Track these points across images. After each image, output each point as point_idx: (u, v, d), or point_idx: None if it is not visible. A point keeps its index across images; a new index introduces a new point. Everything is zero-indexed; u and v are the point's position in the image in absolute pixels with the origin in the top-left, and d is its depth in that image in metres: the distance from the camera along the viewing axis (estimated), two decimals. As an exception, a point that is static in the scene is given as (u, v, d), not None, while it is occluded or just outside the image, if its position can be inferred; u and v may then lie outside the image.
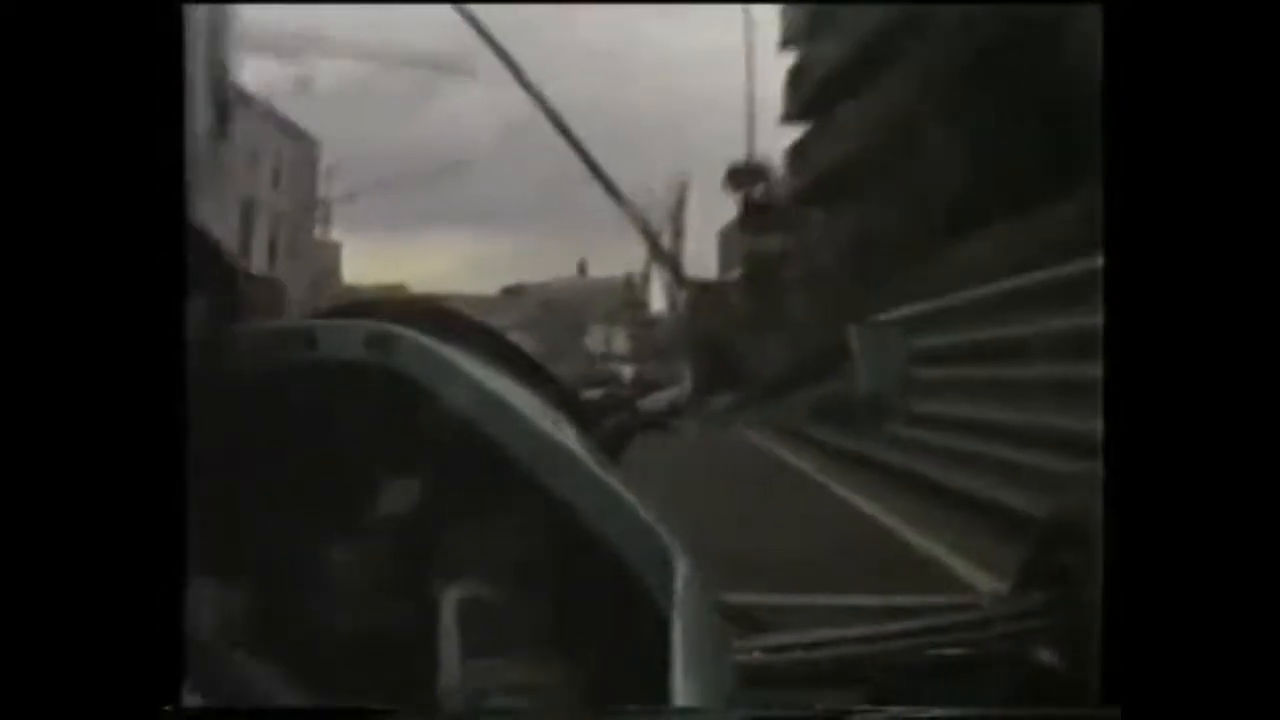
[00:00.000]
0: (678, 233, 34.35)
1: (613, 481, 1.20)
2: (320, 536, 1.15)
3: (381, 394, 1.20)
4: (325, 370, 1.20)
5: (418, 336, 1.25)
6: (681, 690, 0.90)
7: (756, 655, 2.02)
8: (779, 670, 2.03)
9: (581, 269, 49.09)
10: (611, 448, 1.70)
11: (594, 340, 43.47)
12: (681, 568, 1.08)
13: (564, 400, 1.55)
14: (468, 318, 1.51)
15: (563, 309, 45.70)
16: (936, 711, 0.93)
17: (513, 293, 48.84)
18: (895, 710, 0.92)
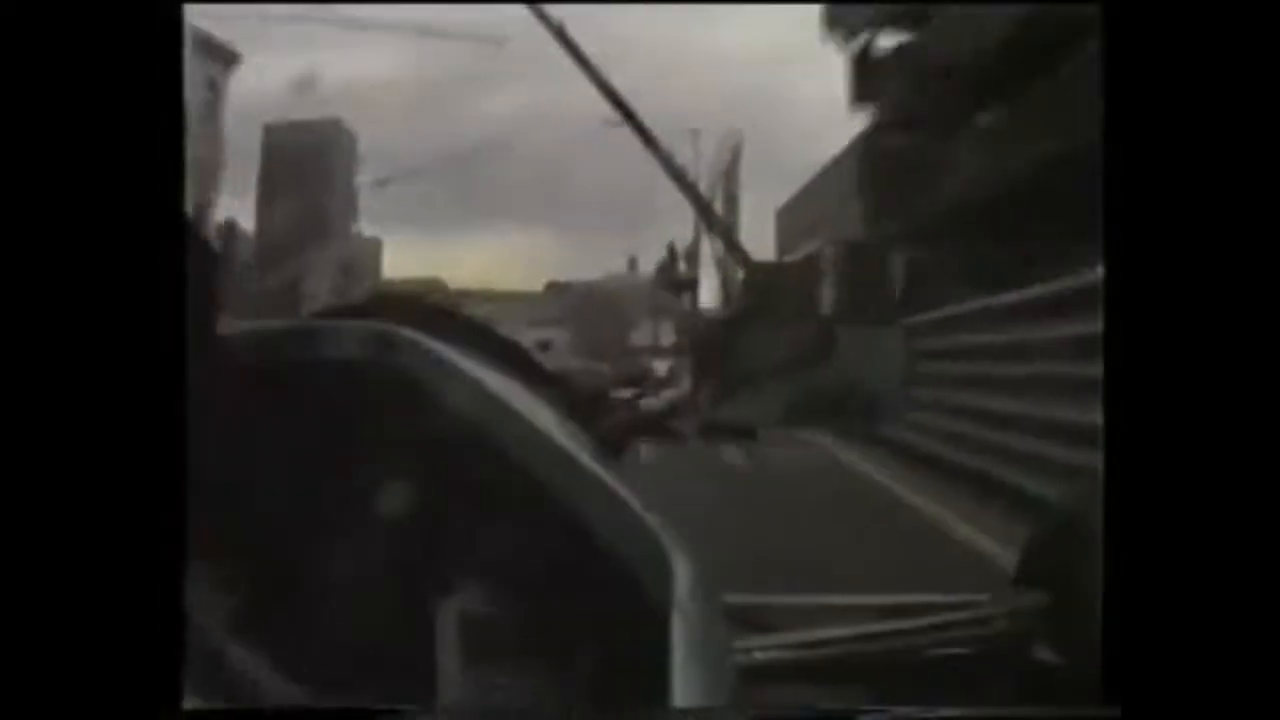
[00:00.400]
0: (730, 199, 29.46)
1: (613, 481, 1.20)
2: (320, 535, 1.15)
3: (381, 394, 1.20)
4: (325, 370, 1.20)
5: (418, 336, 1.25)
6: (681, 690, 0.90)
7: (757, 655, 2.02)
8: (779, 670, 2.03)
9: (632, 265, 48.40)
10: (611, 447, 1.70)
11: (641, 335, 42.03)
12: (681, 568, 1.08)
13: (563, 400, 1.56)
14: (468, 318, 1.51)
15: (608, 303, 44.80)
16: (940, 711, 0.93)
17: (557, 288, 48.18)
18: (900, 710, 0.92)
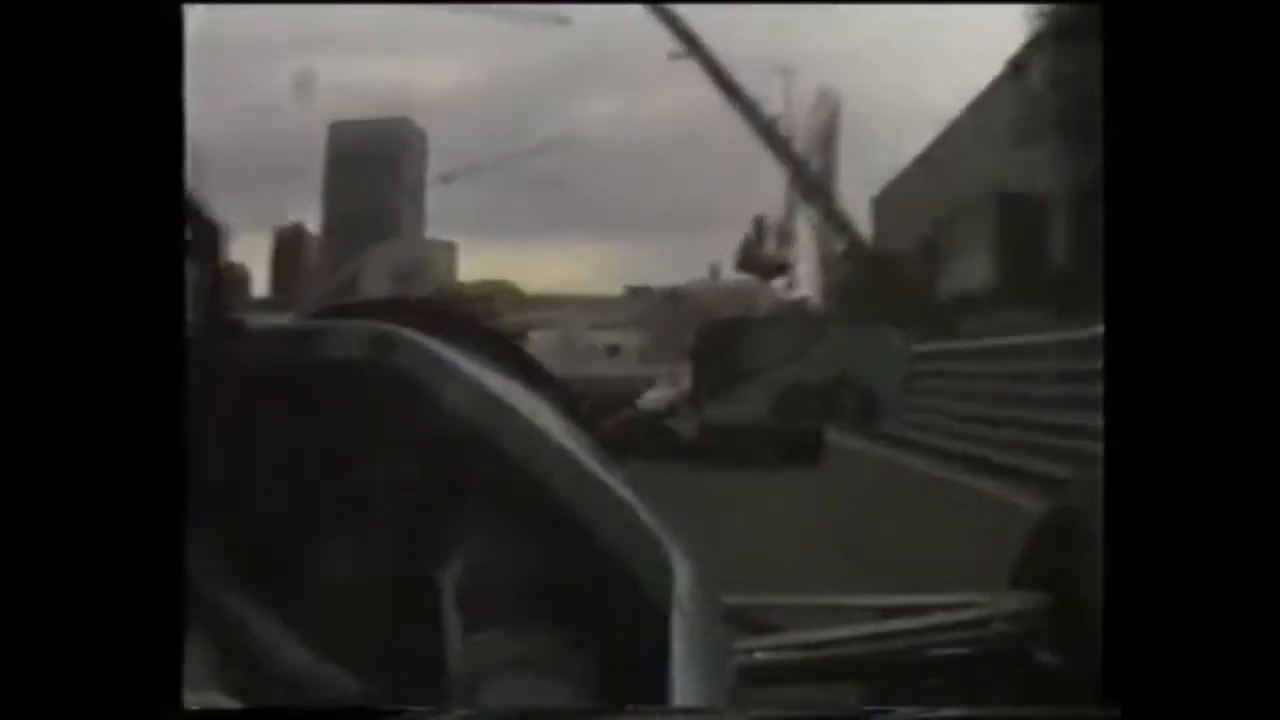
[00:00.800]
0: (827, 168, 25.06)
1: (613, 482, 1.20)
2: (320, 536, 1.15)
3: (381, 394, 1.20)
4: (325, 370, 1.20)
5: (418, 336, 1.25)
6: (681, 690, 0.90)
7: (757, 655, 2.02)
8: (779, 670, 2.03)
9: (714, 272, 47.38)
10: (611, 447, 1.70)
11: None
12: (681, 568, 1.08)
13: (564, 400, 1.56)
14: (468, 318, 1.51)
15: (686, 307, 43.65)
16: (943, 711, 0.93)
17: (635, 292, 47.41)
18: (904, 711, 0.92)
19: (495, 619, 1.09)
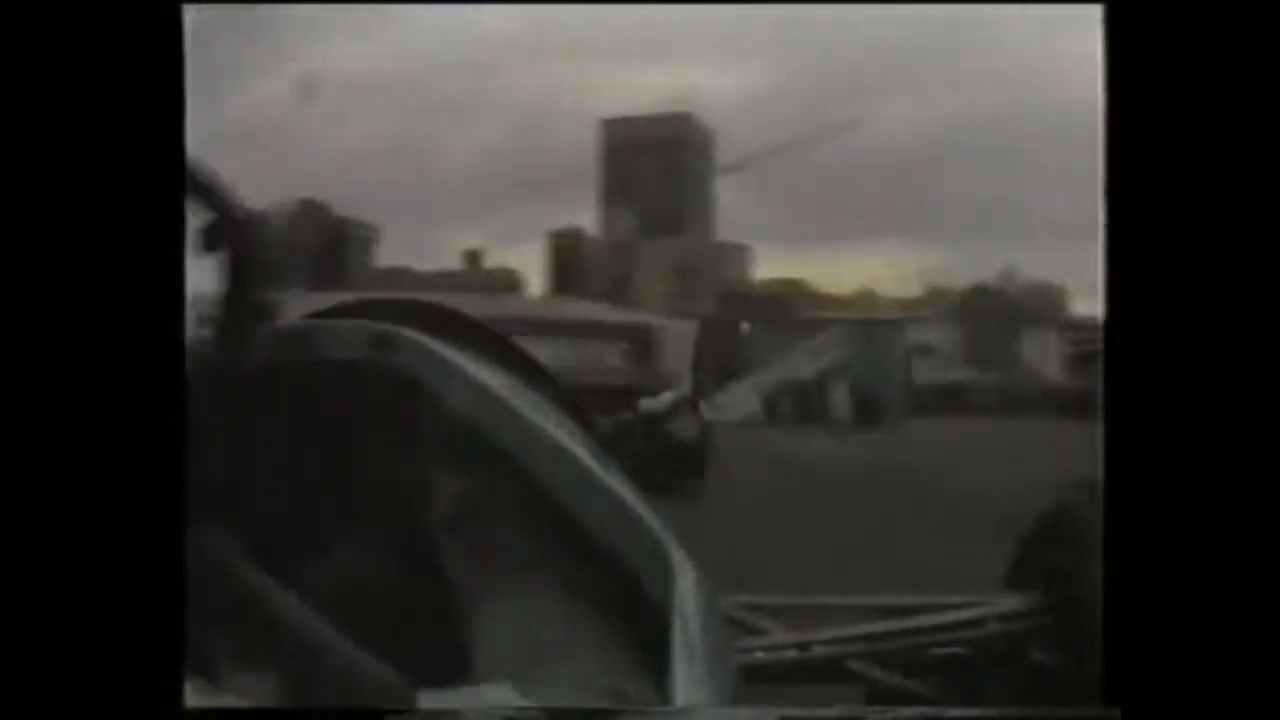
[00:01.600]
0: None
1: (613, 482, 1.20)
2: (321, 535, 1.15)
3: (382, 394, 1.20)
4: (326, 370, 1.21)
5: (418, 336, 1.25)
6: (681, 690, 0.90)
7: (757, 655, 2.02)
8: (779, 670, 2.03)
9: (1008, 275, 46.70)
10: (611, 447, 1.70)
11: (1031, 347, 39.23)
12: (681, 569, 1.08)
13: (564, 400, 1.55)
14: (468, 318, 1.50)
15: (987, 308, 43.59)
16: (943, 711, 0.93)
17: (936, 293, 46.70)
18: (905, 711, 0.92)
19: (495, 618, 1.09)
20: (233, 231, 1.07)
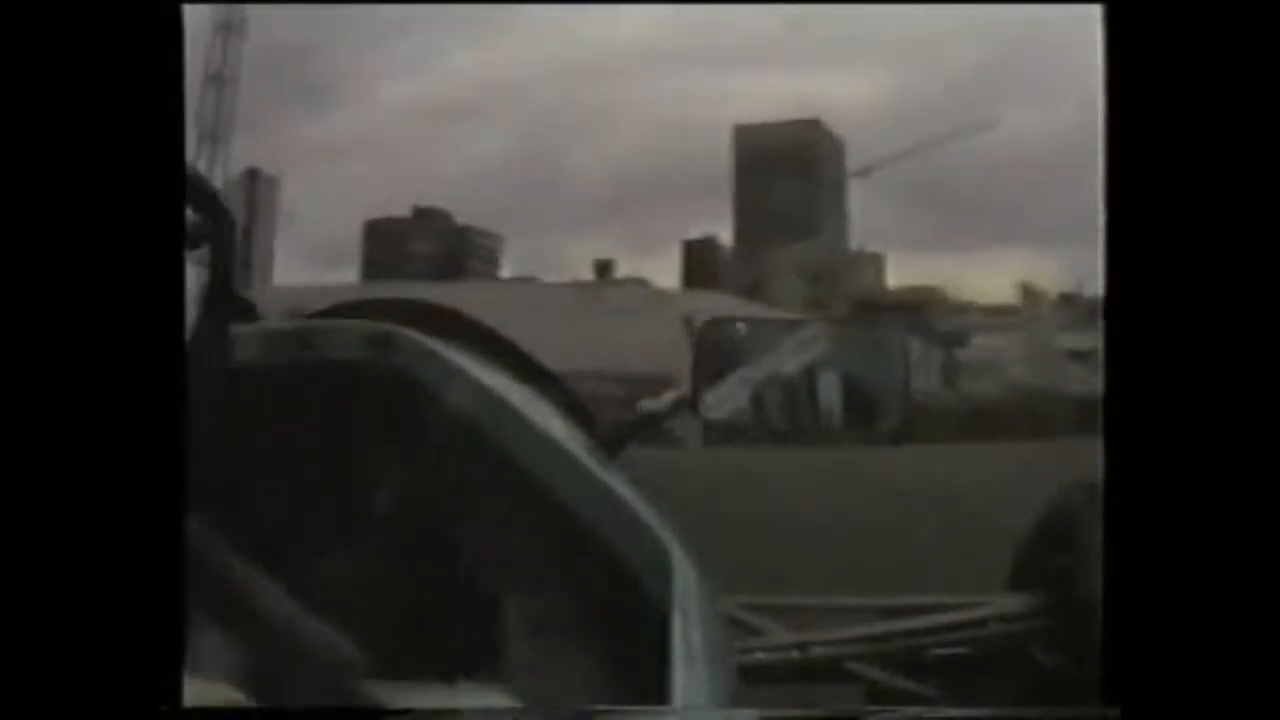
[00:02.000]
0: None
1: (613, 481, 1.20)
2: (319, 537, 1.15)
3: (381, 394, 1.20)
4: (325, 370, 1.21)
5: (418, 336, 1.25)
6: (681, 690, 0.90)
7: (757, 655, 2.02)
8: (779, 670, 2.04)
9: None
10: (611, 448, 1.70)
11: None
12: (681, 568, 1.08)
13: (564, 400, 1.55)
14: (468, 318, 1.50)
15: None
16: (943, 711, 0.93)
17: (1068, 299, 46.56)
18: (906, 711, 0.92)
19: (494, 618, 1.09)
20: (214, 230, 1.07)
